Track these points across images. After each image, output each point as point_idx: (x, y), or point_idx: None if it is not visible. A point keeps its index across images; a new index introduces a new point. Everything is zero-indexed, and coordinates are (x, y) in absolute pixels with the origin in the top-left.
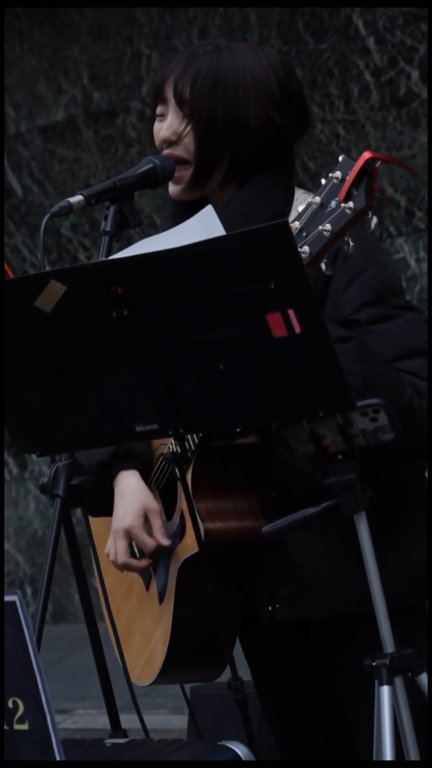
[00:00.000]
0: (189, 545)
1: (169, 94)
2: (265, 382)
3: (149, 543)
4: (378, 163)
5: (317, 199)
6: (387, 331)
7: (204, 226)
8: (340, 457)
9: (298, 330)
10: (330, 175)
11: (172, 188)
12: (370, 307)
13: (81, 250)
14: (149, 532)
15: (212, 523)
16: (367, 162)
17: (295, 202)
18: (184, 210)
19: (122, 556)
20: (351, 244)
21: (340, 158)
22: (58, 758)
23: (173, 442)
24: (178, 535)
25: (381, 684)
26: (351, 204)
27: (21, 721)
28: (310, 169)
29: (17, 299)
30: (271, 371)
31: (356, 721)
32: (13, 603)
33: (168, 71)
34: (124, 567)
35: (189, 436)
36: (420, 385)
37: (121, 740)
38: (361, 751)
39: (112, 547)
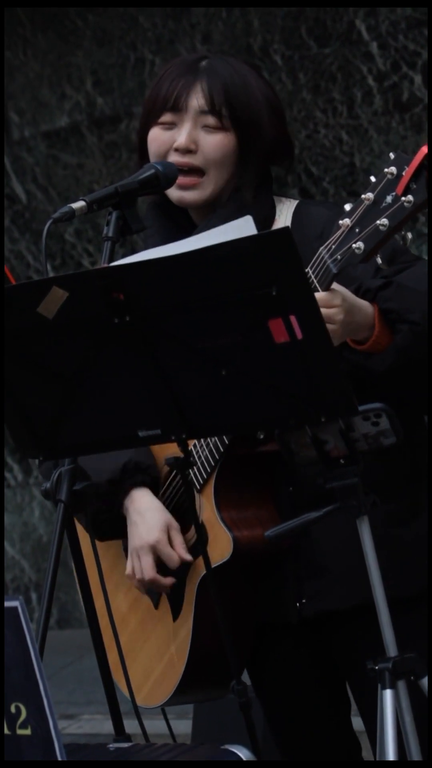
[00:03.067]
0: (214, 555)
1: (193, 103)
2: (267, 387)
3: (175, 557)
4: None
5: (369, 195)
6: (410, 275)
7: (241, 233)
8: (342, 461)
9: (300, 336)
10: (384, 170)
11: (186, 194)
12: (385, 269)
13: (85, 255)
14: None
15: (239, 531)
16: (426, 156)
17: (276, 208)
18: (170, 227)
19: (150, 572)
20: (409, 237)
21: (392, 155)
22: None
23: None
24: (194, 553)
25: (384, 687)
26: (410, 198)
27: (24, 726)
28: (313, 173)
29: (19, 305)
30: (273, 377)
31: (366, 712)
32: (15, 608)
33: (178, 82)
34: (151, 584)
35: (211, 443)
36: None
37: (125, 745)
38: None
39: (136, 564)
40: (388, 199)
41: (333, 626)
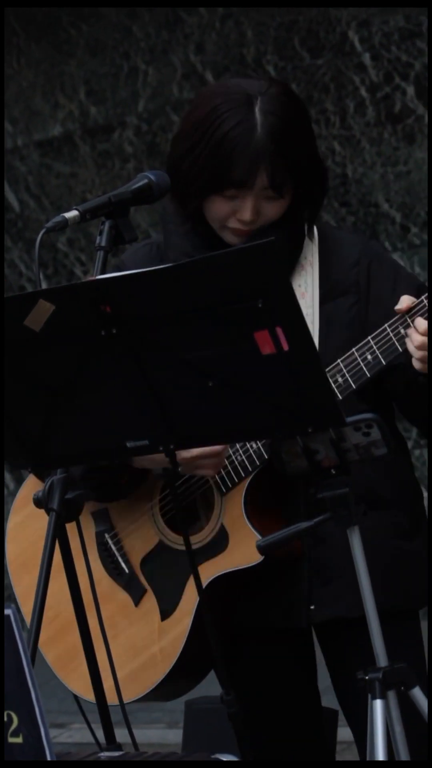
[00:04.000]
0: (236, 558)
1: (259, 182)
2: (254, 398)
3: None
4: None
5: None
6: None
7: None
8: (333, 471)
9: (286, 347)
10: None
11: (235, 240)
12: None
13: (77, 265)
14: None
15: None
16: None
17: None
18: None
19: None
20: None
21: None
22: None
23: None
24: (205, 554)
25: (374, 697)
26: None
27: (15, 734)
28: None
29: (7, 318)
30: (260, 388)
31: (355, 722)
32: (7, 617)
33: (246, 157)
34: (216, 454)
35: (251, 449)
36: None
37: (116, 753)
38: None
39: (204, 460)
40: None
41: (329, 634)
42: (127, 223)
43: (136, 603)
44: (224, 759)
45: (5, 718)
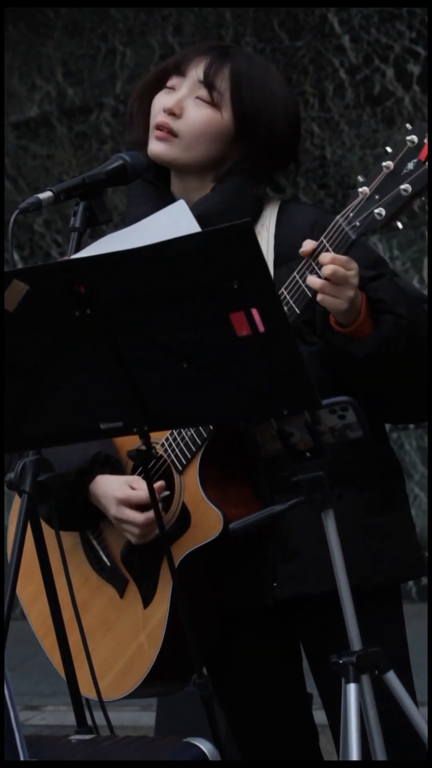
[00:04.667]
0: (199, 535)
1: (192, 72)
2: (229, 381)
3: (141, 494)
4: None
5: (390, 163)
6: (391, 282)
7: (174, 219)
8: (308, 454)
9: (261, 329)
10: (406, 139)
11: (155, 145)
12: (363, 272)
13: (54, 246)
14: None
15: (227, 509)
16: None
17: (264, 204)
18: (160, 201)
19: (140, 518)
20: (425, 200)
21: (408, 126)
22: (21, 755)
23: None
24: (171, 537)
25: (348, 681)
26: None
27: None
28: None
29: None
30: (235, 370)
31: (330, 706)
32: None
33: (193, 52)
34: (149, 525)
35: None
36: None
37: (87, 737)
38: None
39: (126, 527)
40: (410, 165)
41: (305, 615)
42: (102, 204)
43: (121, 595)
44: (196, 743)
45: None
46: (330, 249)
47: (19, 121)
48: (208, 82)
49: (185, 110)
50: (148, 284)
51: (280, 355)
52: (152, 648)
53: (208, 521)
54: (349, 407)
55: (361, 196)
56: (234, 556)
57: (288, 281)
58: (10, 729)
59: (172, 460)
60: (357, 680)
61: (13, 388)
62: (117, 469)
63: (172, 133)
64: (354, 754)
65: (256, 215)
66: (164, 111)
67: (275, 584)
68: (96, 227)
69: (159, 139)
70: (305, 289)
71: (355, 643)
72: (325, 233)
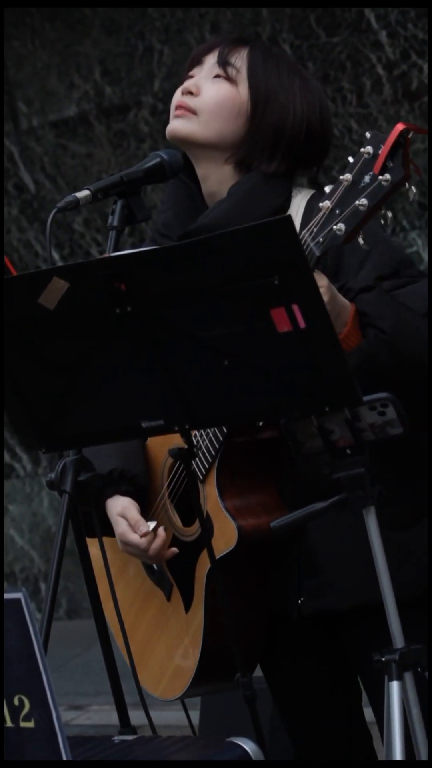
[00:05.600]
0: (220, 545)
1: (209, 58)
2: (270, 377)
3: (137, 541)
4: (410, 134)
5: (348, 176)
6: (410, 292)
7: None
8: (348, 451)
9: (302, 325)
10: (361, 150)
11: (175, 122)
12: (387, 280)
13: (94, 245)
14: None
15: (243, 519)
16: (401, 133)
17: (292, 197)
18: (186, 205)
19: (143, 543)
20: (389, 215)
21: (368, 134)
22: (63, 755)
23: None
24: (202, 543)
25: (390, 679)
26: (387, 176)
27: (27, 718)
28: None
29: (20, 296)
30: (275, 367)
31: (376, 704)
32: (18, 600)
33: (212, 43)
34: (156, 556)
35: (211, 432)
36: None
37: (130, 737)
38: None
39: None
40: (366, 179)
41: (341, 627)
42: (140, 202)
43: (168, 598)
44: (239, 742)
45: (17, 702)
46: None
47: (58, 120)
48: (223, 60)
49: (202, 88)
50: (188, 281)
51: (320, 351)
52: (194, 652)
53: (226, 532)
54: (389, 404)
55: (323, 211)
56: (267, 561)
57: None
58: (53, 730)
59: (194, 470)
60: (400, 678)
61: (52, 387)
62: (133, 483)
63: (191, 111)
64: (398, 752)
65: (281, 211)
66: (181, 91)
67: (301, 599)
68: (134, 225)
69: (177, 116)
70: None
71: (398, 640)
72: None
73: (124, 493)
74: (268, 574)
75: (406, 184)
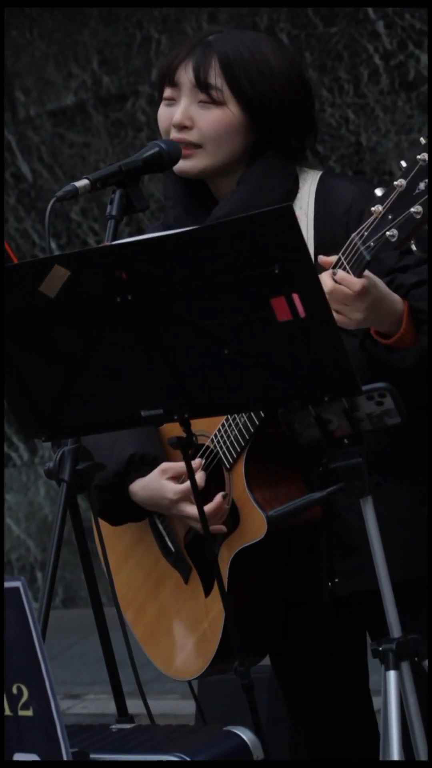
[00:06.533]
0: (246, 534)
1: (183, 78)
2: (269, 366)
3: (187, 487)
4: None
5: (402, 182)
6: None
7: None
8: (346, 441)
9: (302, 314)
10: (417, 157)
11: (183, 163)
12: (408, 254)
13: (91, 234)
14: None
15: (272, 509)
16: None
17: (299, 180)
18: (190, 200)
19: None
20: None
21: (422, 139)
22: (62, 744)
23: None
24: (228, 524)
25: (387, 669)
26: None
27: (25, 707)
28: (319, 152)
29: (21, 284)
30: (275, 356)
31: None
32: (17, 589)
33: (179, 57)
34: (218, 511)
35: (240, 422)
36: None
37: (127, 726)
38: None
39: (192, 522)
40: (421, 186)
41: (369, 607)
42: (138, 191)
43: (186, 581)
44: (236, 731)
45: (15, 691)
46: (347, 267)
47: (56, 109)
48: (202, 84)
49: (194, 119)
50: (189, 269)
51: (320, 340)
52: (214, 636)
53: (254, 522)
54: (387, 394)
55: (375, 215)
56: (292, 547)
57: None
58: (51, 718)
59: (221, 457)
60: (397, 667)
61: (53, 375)
62: (155, 466)
63: (194, 146)
64: (394, 742)
65: (292, 195)
66: (174, 127)
67: (336, 580)
68: (133, 215)
69: (184, 156)
70: (363, 252)
71: (395, 630)
72: (343, 249)
73: (146, 475)
74: (293, 560)
75: None
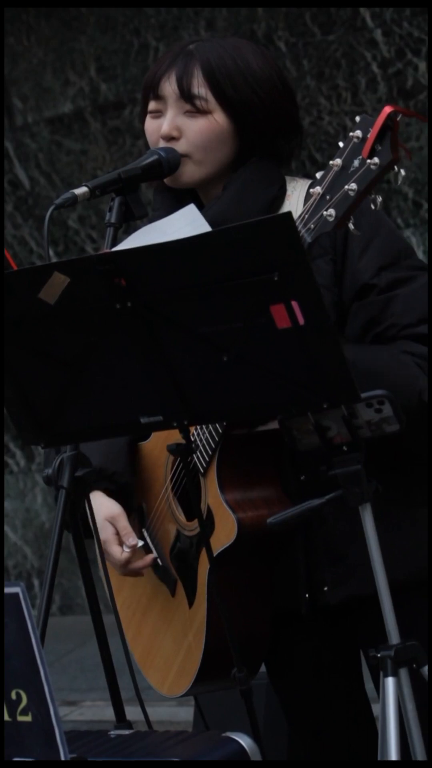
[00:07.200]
0: (220, 539)
1: (168, 90)
2: (269, 373)
3: (118, 554)
4: (399, 117)
5: (338, 161)
6: (408, 295)
7: (188, 221)
8: (345, 448)
9: (301, 322)
10: (350, 135)
11: (174, 174)
12: (387, 271)
13: (88, 242)
14: (119, 540)
15: (243, 513)
16: (389, 116)
17: (288, 187)
18: (177, 201)
19: (122, 558)
20: (379, 200)
21: (358, 118)
22: (61, 749)
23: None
24: (207, 530)
25: (386, 675)
26: (376, 160)
27: (24, 712)
28: (317, 160)
29: (21, 291)
30: (274, 363)
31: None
32: (16, 594)
33: (161, 68)
34: (126, 567)
35: (210, 426)
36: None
37: (126, 732)
38: None
39: (112, 558)
40: (356, 163)
41: (359, 615)
42: (137, 199)
43: (172, 594)
44: (235, 737)
45: (14, 697)
46: None
47: (53, 116)
48: (186, 95)
49: (181, 129)
50: (189, 276)
51: (319, 348)
52: (197, 648)
53: (226, 525)
54: (386, 401)
55: (314, 197)
56: (271, 553)
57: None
58: (50, 724)
59: (195, 463)
60: (395, 674)
61: (52, 382)
62: (114, 481)
63: (183, 155)
64: (392, 749)
65: (279, 201)
66: (163, 138)
67: (325, 589)
68: (131, 222)
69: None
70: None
71: (393, 636)
72: None
73: (105, 492)
74: (274, 570)
75: (395, 168)
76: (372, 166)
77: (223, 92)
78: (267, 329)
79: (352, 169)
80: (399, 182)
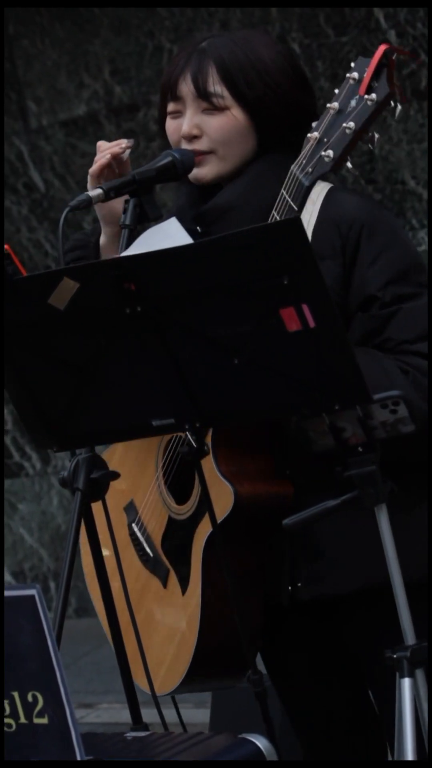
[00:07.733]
0: (217, 511)
1: (185, 90)
2: (280, 376)
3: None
4: (395, 55)
5: (335, 104)
6: (411, 311)
7: (167, 235)
8: (360, 449)
9: (312, 324)
10: (347, 76)
11: (197, 171)
12: (394, 285)
13: None
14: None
15: (240, 485)
16: (384, 54)
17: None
18: (201, 196)
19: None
20: (376, 137)
21: (353, 63)
22: (77, 752)
23: None
24: (198, 516)
25: (402, 676)
26: (373, 95)
27: (41, 715)
28: None
29: (31, 296)
30: (285, 366)
31: (381, 699)
32: (32, 597)
33: (177, 69)
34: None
35: None
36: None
37: (142, 734)
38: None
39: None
40: (353, 103)
41: (341, 616)
42: (152, 200)
43: (164, 585)
44: (251, 738)
45: (30, 699)
46: (288, 198)
47: (68, 119)
48: (203, 93)
49: (202, 127)
50: (198, 281)
51: (330, 350)
52: (192, 634)
53: (223, 497)
54: (401, 402)
55: (311, 142)
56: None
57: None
58: (66, 726)
59: (190, 439)
60: (411, 675)
61: (63, 386)
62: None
63: (206, 152)
64: (409, 749)
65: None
66: (184, 138)
67: (299, 585)
68: (146, 224)
69: (198, 164)
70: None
71: (409, 637)
72: (284, 184)
73: None
74: (265, 559)
75: (392, 102)
76: (369, 102)
77: (238, 88)
78: (277, 332)
79: (349, 109)
80: (396, 117)
